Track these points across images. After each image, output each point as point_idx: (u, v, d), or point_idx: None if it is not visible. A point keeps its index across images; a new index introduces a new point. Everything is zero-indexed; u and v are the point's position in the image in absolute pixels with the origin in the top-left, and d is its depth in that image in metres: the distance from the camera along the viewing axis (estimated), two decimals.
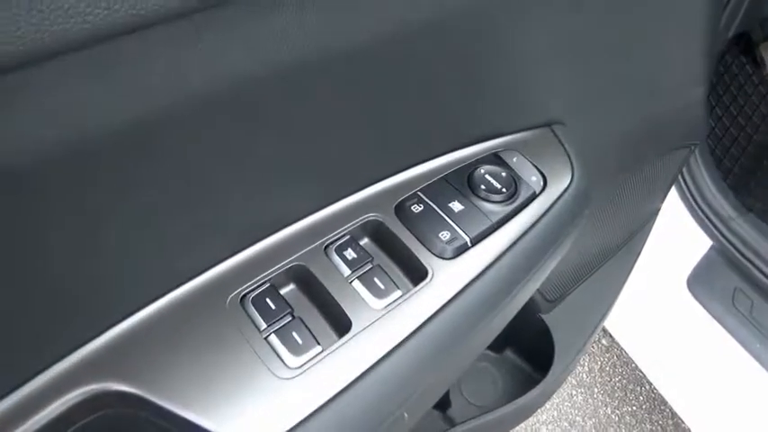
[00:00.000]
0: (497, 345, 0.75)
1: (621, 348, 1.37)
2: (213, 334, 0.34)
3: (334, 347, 0.35)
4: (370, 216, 0.39)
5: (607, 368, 1.35)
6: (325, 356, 0.34)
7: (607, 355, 1.37)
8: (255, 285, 0.36)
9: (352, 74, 0.32)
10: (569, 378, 1.35)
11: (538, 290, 0.65)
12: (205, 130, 0.30)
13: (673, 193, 0.83)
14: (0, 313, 0.28)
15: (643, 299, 0.97)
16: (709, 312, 0.90)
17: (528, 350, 0.75)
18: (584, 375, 1.35)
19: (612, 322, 1.06)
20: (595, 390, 1.32)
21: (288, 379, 0.33)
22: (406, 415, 0.36)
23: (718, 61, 0.86)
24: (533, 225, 0.41)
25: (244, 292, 0.36)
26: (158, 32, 0.24)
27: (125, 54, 0.25)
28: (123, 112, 0.26)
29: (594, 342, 1.38)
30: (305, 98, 0.32)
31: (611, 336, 1.37)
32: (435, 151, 0.41)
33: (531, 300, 0.67)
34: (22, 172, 0.25)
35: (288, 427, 0.32)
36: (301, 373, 0.34)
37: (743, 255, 0.87)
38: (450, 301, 0.37)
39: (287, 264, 0.37)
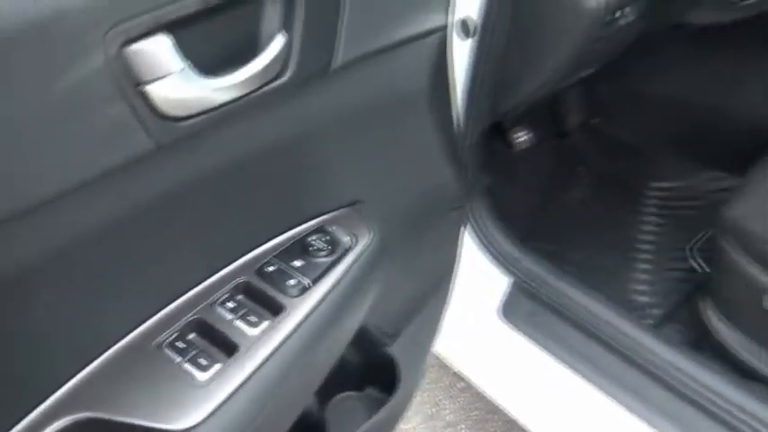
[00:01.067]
0: (358, 383, 0.94)
1: (476, 386, 1.61)
2: (147, 368, 0.52)
3: (228, 364, 0.53)
4: (242, 279, 0.60)
5: (467, 405, 1.58)
6: (223, 371, 0.53)
7: (465, 395, 1.60)
8: (169, 335, 0.54)
9: (221, 189, 0.54)
10: (439, 421, 1.56)
11: (379, 327, 0.86)
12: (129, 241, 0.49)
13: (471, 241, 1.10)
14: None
15: (472, 332, 1.22)
16: (525, 336, 1.15)
17: (384, 383, 0.95)
18: (450, 416, 1.57)
19: (459, 362, 1.30)
20: (461, 426, 1.54)
21: (201, 388, 0.51)
22: None
23: (484, 141, 1.16)
24: (349, 268, 0.64)
25: (162, 341, 0.54)
26: None
27: None
28: None
29: (453, 385, 1.62)
30: (186, 211, 0.53)
31: (463, 378, 1.61)
32: (280, 230, 0.63)
33: (376, 336, 0.89)
34: None
35: (203, 416, 0.50)
36: (208, 384, 0.52)
37: (535, 287, 1.13)
38: (301, 322, 0.58)
39: (189, 318, 0.56)
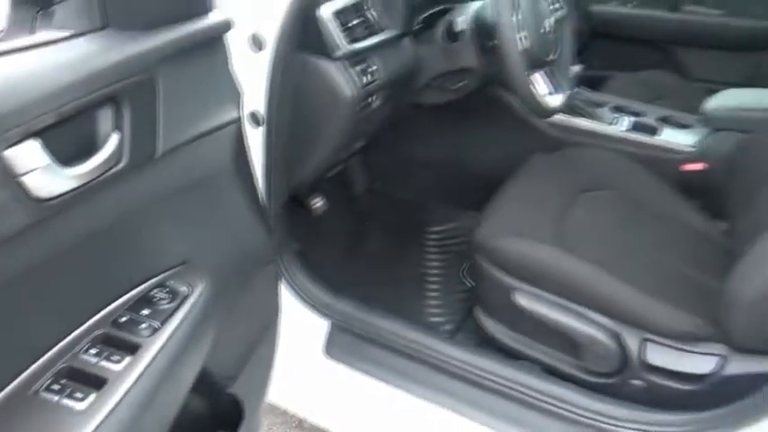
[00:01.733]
0: (208, 427, 1.07)
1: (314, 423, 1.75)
2: (30, 411, 0.63)
3: (101, 393, 0.66)
4: (100, 331, 0.73)
5: None
6: (97, 399, 0.66)
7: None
8: (44, 382, 0.66)
9: (79, 257, 0.68)
10: None
11: (220, 371, 1.01)
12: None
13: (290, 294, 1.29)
14: None
15: (303, 372, 1.39)
16: (348, 366, 1.35)
17: (230, 423, 1.08)
18: None
19: (294, 402, 1.44)
20: None
21: (80, 415, 0.64)
22: None
23: (287, 208, 1.37)
24: (190, 311, 0.80)
25: (38, 387, 0.65)
26: None
27: None
28: None
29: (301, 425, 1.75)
30: (53, 276, 0.66)
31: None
32: (128, 288, 0.78)
33: (218, 379, 1.03)
34: None
35: None
36: (86, 411, 0.64)
37: (350, 325, 1.35)
38: (157, 354, 0.72)
39: (59, 366, 0.68)
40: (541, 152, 1.52)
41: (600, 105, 1.69)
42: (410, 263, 1.73)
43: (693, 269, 1.22)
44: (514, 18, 1.12)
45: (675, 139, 1.52)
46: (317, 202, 1.51)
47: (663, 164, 1.50)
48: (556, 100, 1.26)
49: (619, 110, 1.67)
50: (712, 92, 2.10)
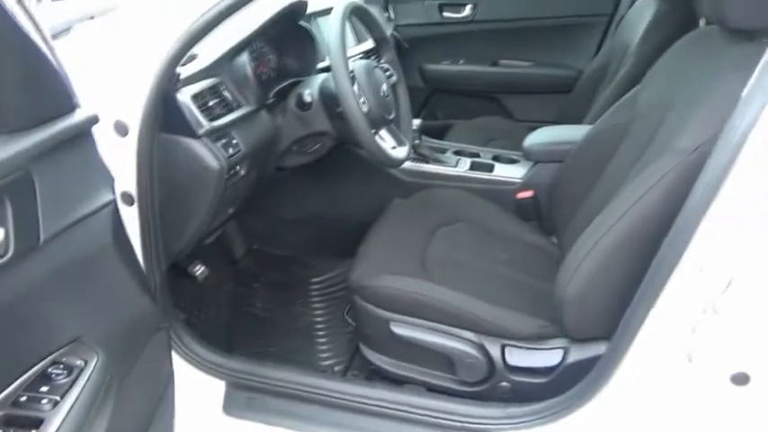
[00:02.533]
0: None
1: None
2: None
3: None
4: (0, 413, 0.77)
5: None
6: None
7: None
8: None
9: None
10: None
11: None
12: None
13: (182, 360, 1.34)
14: None
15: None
16: (249, 420, 1.39)
17: None
18: None
19: None
20: None
21: None
22: None
23: (170, 277, 1.42)
24: (87, 382, 0.86)
25: None
26: None
27: None
28: None
29: None
30: None
31: None
32: (24, 370, 0.82)
33: None
34: None
35: None
36: None
37: (246, 380, 1.41)
38: (61, 424, 0.77)
39: None
40: (400, 197, 1.72)
41: (443, 151, 1.93)
42: (297, 314, 1.83)
43: (535, 279, 1.45)
44: (355, 87, 1.31)
45: (507, 172, 1.79)
46: (199, 269, 1.58)
47: (500, 194, 1.75)
48: (401, 152, 1.46)
49: (459, 153, 1.92)
50: (533, 129, 2.47)
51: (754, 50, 0.97)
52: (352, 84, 1.30)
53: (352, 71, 1.34)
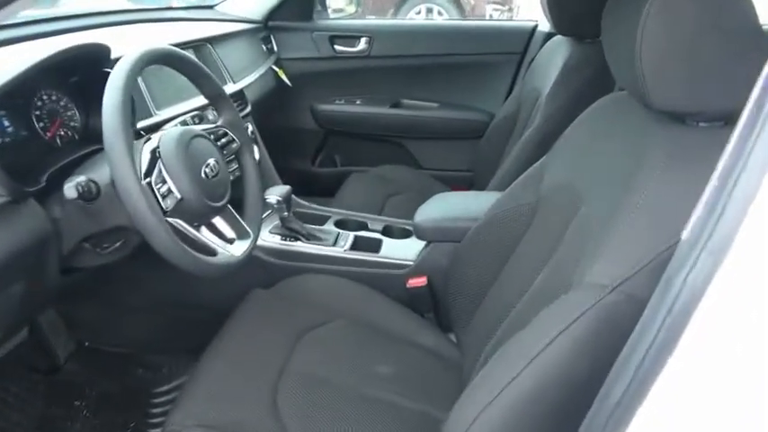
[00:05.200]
0: None
1: None
2: None
3: None
4: None
5: None
6: None
7: None
8: None
9: None
10: None
11: None
12: None
13: None
14: None
15: None
16: None
17: None
18: None
19: None
20: None
21: None
22: None
23: None
24: None
25: None
26: None
27: None
28: None
29: None
30: None
31: None
32: None
33: None
34: None
35: None
36: None
37: None
38: None
39: None
40: (260, 286, 1.35)
41: (322, 221, 1.58)
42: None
43: (424, 404, 1.11)
44: (159, 169, 0.93)
45: (397, 253, 1.45)
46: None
47: (389, 280, 1.42)
48: (238, 248, 1.09)
49: (342, 225, 1.57)
50: (441, 179, 2.16)
51: (685, 135, 0.79)
52: (153, 165, 0.93)
53: (157, 147, 0.96)
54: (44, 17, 1.41)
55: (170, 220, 0.99)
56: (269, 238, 1.47)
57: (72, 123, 1.18)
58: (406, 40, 2.21)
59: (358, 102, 2.24)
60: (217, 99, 1.17)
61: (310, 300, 1.33)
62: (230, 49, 1.77)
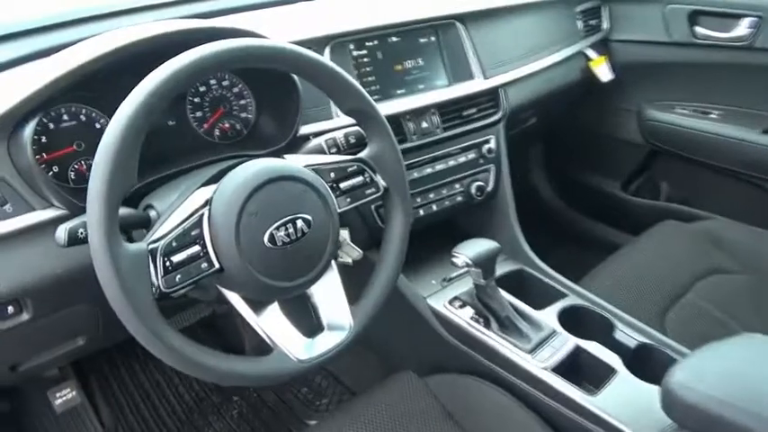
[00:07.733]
0: None
1: None
2: None
3: None
4: None
5: None
6: None
7: None
8: None
9: None
10: None
11: None
12: None
13: None
14: None
15: None
16: None
17: None
18: None
19: None
20: None
21: None
22: None
23: None
24: None
25: None
26: None
27: None
28: None
29: None
30: None
31: None
32: None
33: None
34: None
35: None
36: None
37: None
38: None
39: None
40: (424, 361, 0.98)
41: (550, 299, 1.05)
42: None
43: None
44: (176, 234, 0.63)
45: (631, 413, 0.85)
46: None
47: None
48: (318, 344, 0.73)
49: (574, 316, 1.02)
50: None
51: None
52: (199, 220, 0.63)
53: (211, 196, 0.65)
54: None
55: (227, 293, 0.70)
56: (451, 306, 1.05)
57: (244, 114, 0.96)
58: None
59: (713, 115, 1.47)
60: (362, 118, 0.78)
61: None
62: (502, 29, 1.28)
